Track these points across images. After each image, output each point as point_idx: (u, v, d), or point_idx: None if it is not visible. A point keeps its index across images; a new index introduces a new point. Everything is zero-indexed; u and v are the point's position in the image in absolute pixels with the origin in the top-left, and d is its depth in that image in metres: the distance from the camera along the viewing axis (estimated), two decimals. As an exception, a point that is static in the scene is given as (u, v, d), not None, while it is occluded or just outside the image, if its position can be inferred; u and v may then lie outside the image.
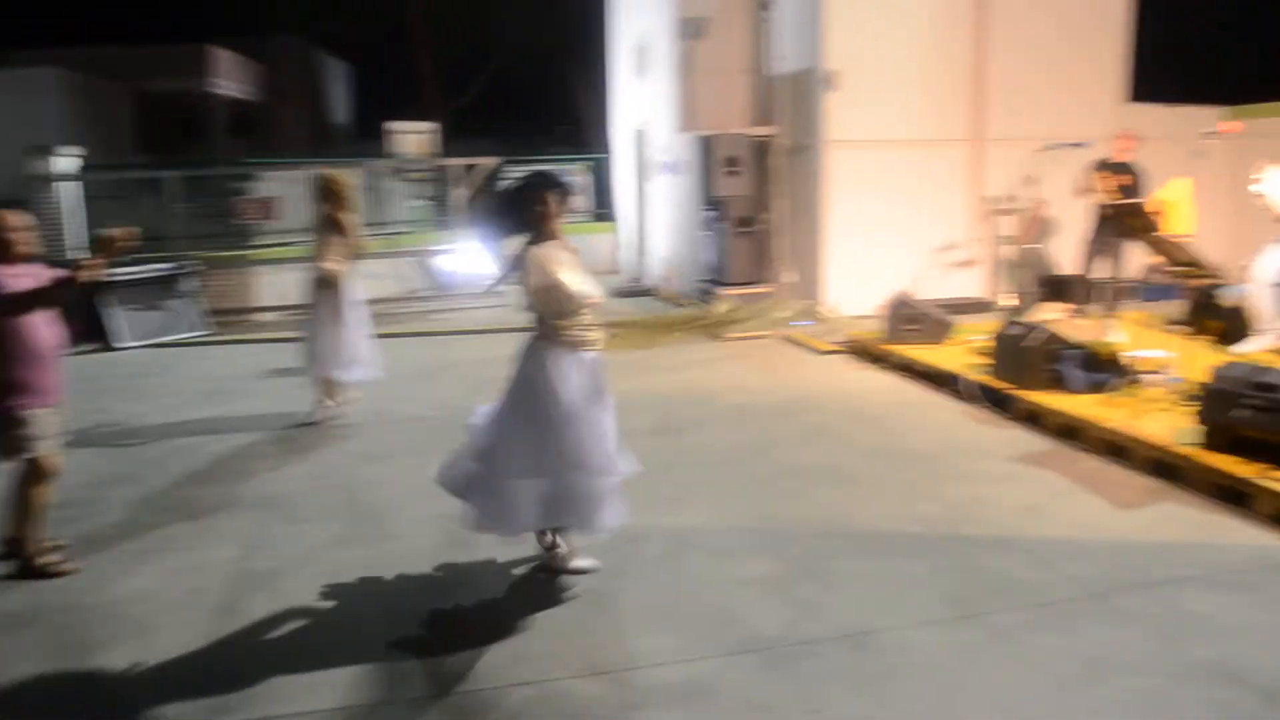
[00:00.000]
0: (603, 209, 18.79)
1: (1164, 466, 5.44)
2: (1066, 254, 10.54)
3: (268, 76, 31.24)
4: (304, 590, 4.35)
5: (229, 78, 29.11)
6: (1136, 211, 6.70)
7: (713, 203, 10.90)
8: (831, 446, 6.36)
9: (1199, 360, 6.96)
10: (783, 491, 5.48)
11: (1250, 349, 6.74)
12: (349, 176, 7.28)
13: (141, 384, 9.22)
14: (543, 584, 4.37)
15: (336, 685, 3.54)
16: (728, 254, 10.60)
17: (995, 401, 7.04)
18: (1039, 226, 11.45)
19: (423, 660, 3.74)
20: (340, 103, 36.91)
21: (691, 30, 13.66)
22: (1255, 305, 7.56)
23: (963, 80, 11.72)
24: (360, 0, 28.24)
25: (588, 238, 18.03)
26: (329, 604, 4.25)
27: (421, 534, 4.95)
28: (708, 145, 11.30)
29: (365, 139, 24.03)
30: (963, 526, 4.86)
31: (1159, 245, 6.38)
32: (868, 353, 9.10)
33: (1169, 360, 6.99)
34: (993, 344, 7.45)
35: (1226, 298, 8.19)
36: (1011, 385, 6.96)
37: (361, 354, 7.12)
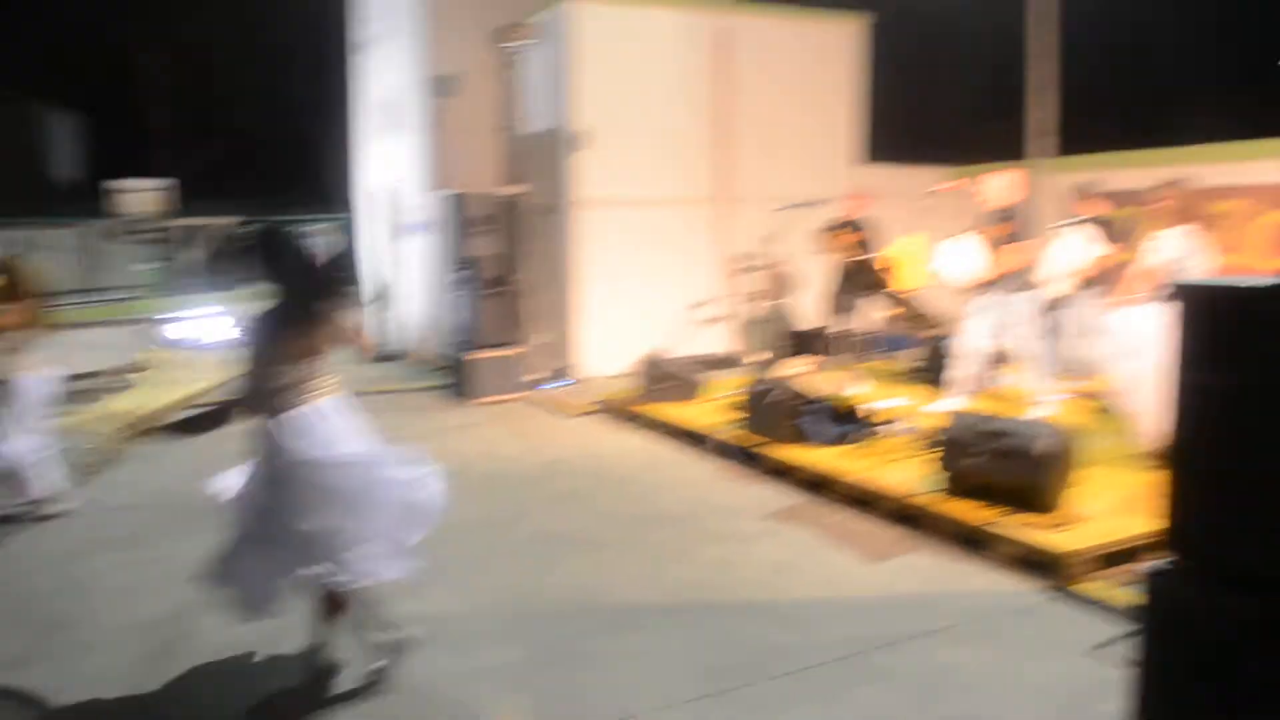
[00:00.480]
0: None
1: (907, 516, 5.50)
2: (809, 309, 10.89)
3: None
4: None
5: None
6: (867, 268, 6.90)
7: (464, 263, 10.55)
8: (581, 512, 6.09)
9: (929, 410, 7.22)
10: (530, 564, 5.14)
11: (942, 408, 7.02)
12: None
13: None
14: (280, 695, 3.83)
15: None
16: (479, 315, 10.25)
17: (746, 458, 7.00)
18: (780, 283, 11.81)
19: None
20: (64, 157, 34.07)
21: (443, 88, 13.35)
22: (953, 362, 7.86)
23: (707, 141, 11.98)
24: (84, 50, 26.31)
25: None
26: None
27: (123, 644, 4.27)
28: (458, 204, 10.98)
29: (95, 196, 22.27)
30: (713, 591, 4.69)
31: (891, 299, 6.57)
32: (621, 413, 8.96)
33: (904, 409, 7.20)
34: (744, 400, 7.45)
35: (950, 349, 8.57)
36: (763, 441, 6.96)
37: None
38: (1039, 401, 7.21)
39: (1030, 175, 8.19)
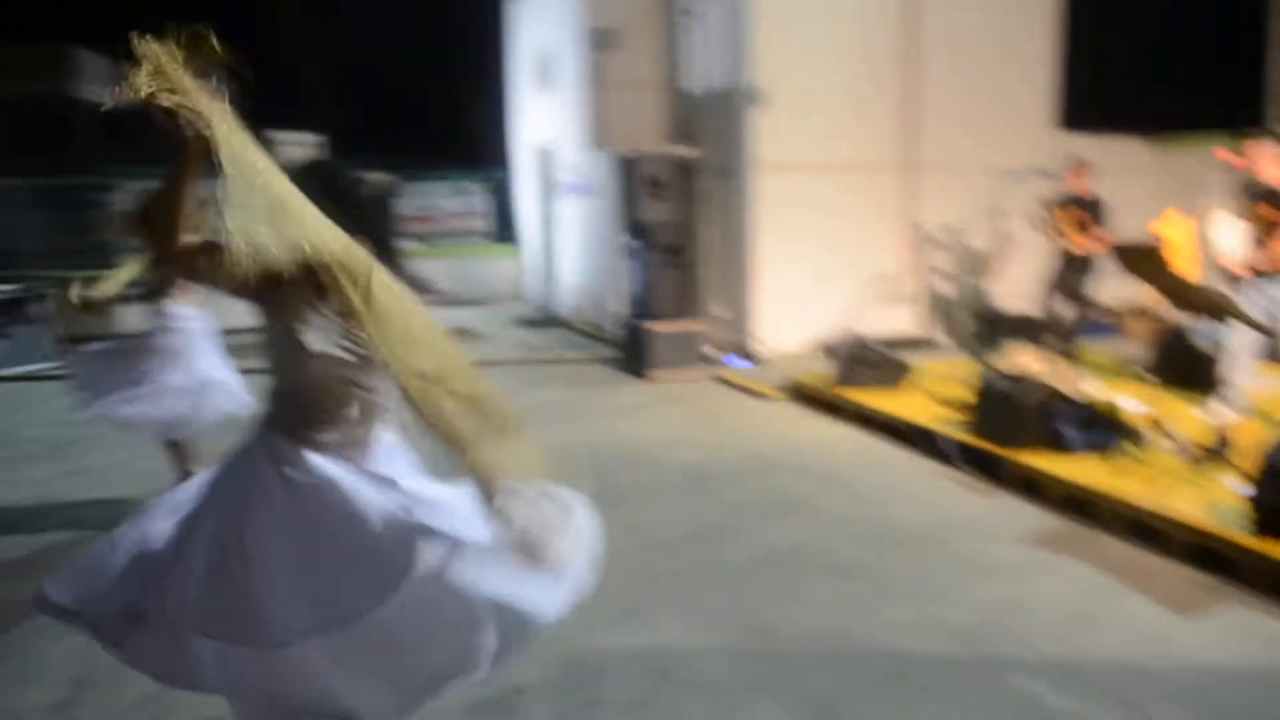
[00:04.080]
0: (505, 231, 17.65)
1: (1212, 556, 4.60)
2: (1011, 291, 9.92)
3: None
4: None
5: (97, 83, 26.98)
6: (1147, 252, 5.93)
7: (636, 228, 9.89)
8: (807, 522, 5.37)
9: (1187, 418, 6.24)
10: (764, 591, 4.44)
11: (1227, 412, 5.99)
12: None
13: (-34, 433, 7.77)
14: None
15: None
16: (653, 284, 9.60)
17: (981, 465, 6.17)
18: (975, 260, 10.85)
19: None
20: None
21: (601, 41, 12.69)
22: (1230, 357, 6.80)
23: (894, 102, 11.01)
24: (236, 4, 26.55)
25: (490, 261, 16.88)
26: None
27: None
28: (626, 166, 10.32)
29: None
30: (999, 643, 3.90)
31: (1171, 287, 5.61)
32: (813, 398, 8.20)
33: (1166, 415, 6.24)
34: (972, 395, 6.60)
35: (1203, 344, 7.51)
36: (998, 445, 6.11)
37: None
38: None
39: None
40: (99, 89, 26.69)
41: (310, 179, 2.49)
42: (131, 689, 3.57)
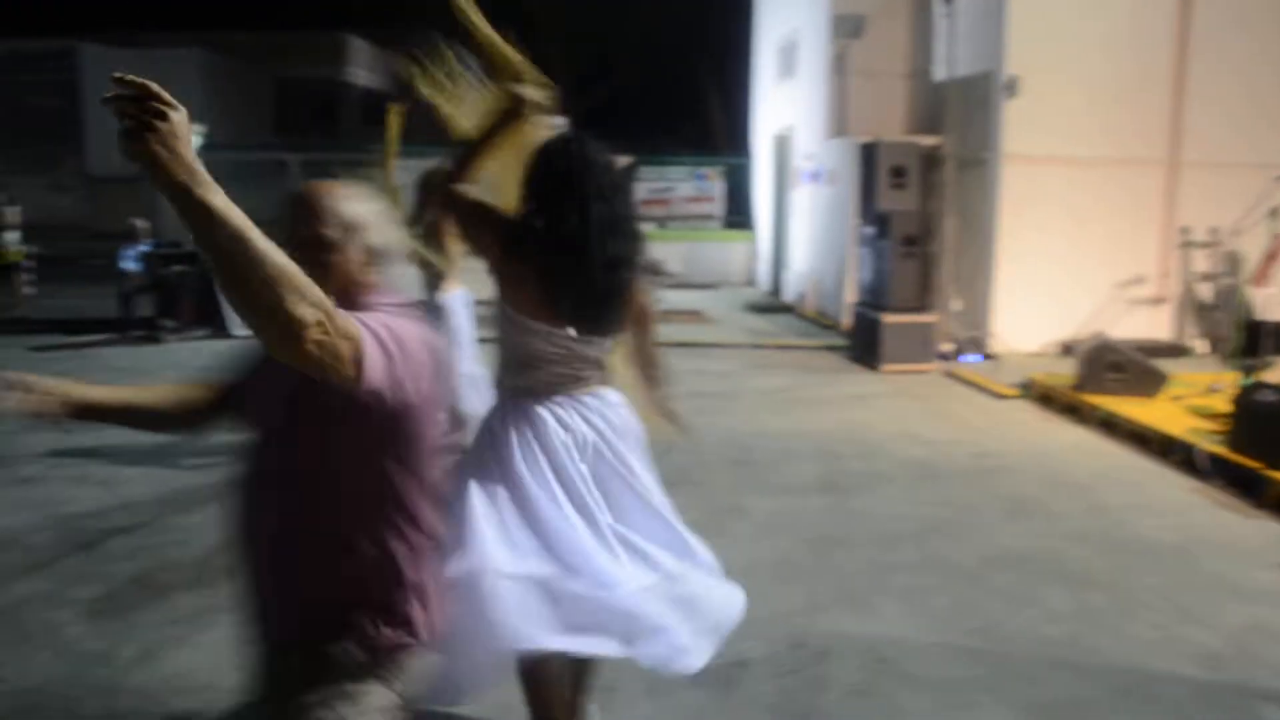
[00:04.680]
0: (737, 216, 17.76)
1: None
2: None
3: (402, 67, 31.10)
4: None
5: (364, 67, 29.00)
6: None
7: (875, 217, 9.74)
8: (1042, 526, 5.18)
9: None
10: (997, 591, 4.34)
11: None
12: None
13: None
14: None
15: None
16: (889, 274, 9.42)
17: (1237, 481, 5.76)
18: (1236, 264, 10.08)
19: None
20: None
21: (847, 28, 12.54)
22: None
23: (1159, 94, 10.29)
24: (493, -4, 27.84)
25: (722, 246, 17.02)
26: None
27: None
28: (868, 154, 10.15)
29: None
30: (1256, 672, 3.66)
31: None
32: (1056, 401, 7.85)
33: None
34: (1232, 408, 6.16)
35: None
36: (1260, 462, 5.68)
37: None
38: None
39: None
40: (365, 73, 28.71)
41: (559, 154, 2.65)
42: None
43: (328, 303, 1.52)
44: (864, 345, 9.64)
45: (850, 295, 11.03)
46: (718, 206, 18.13)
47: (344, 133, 26.98)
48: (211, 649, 3.68)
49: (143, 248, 10.92)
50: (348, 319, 1.59)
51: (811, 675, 3.55)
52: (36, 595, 4.19)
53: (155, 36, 22.73)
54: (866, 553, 4.75)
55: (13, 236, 11.66)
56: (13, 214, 11.69)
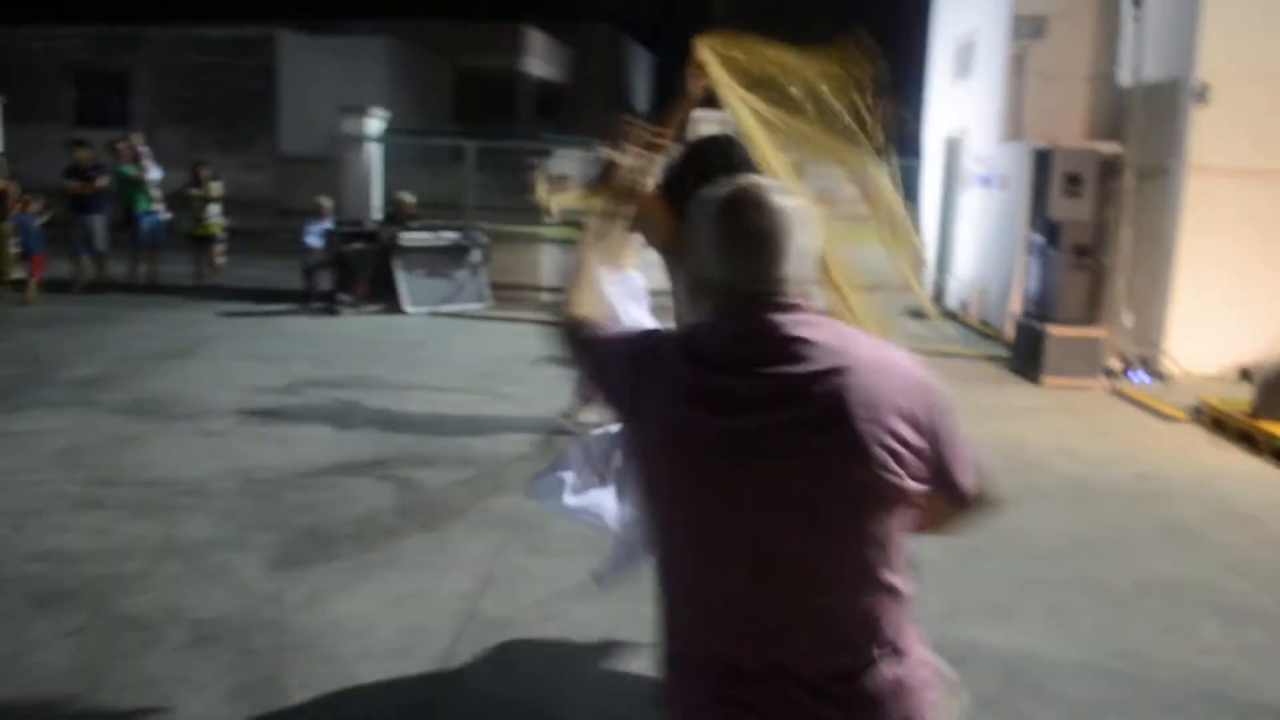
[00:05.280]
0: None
1: None
2: None
3: (576, 60, 31.79)
4: (537, 654, 3.61)
5: (540, 58, 29.77)
6: None
7: (1046, 225, 9.45)
8: (1203, 556, 4.98)
9: None
10: (1147, 618, 4.20)
11: None
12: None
13: (418, 354, 9.15)
14: None
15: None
16: (1057, 285, 9.13)
17: None
18: None
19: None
20: (641, 90, 37.12)
21: (1028, 29, 12.15)
22: None
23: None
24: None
25: (885, 248, 16.76)
26: (564, 679, 3.47)
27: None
28: (1042, 159, 9.84)
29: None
30: None
31: None
32: (1229, 427, 7.47)
33: None
34: None
35: None
36: None
37: None
38: None
39: None
40: (540, 63, 29.44)
41: (710, 152, 2.86)
42: (525, 592, 4.11)
43: None
44: (1026, 357, 9.37)
45: (1016, 305, 10.73)
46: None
47: (519, 121, 27.78)
48: (371, 597, 3.99)
49: (326, 225, 11.61)
50: None
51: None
52: (218, 539, 4.58)
53: (345, 25, 23.93)
54: (1013, 566, 4.68)
55: (215, 209, 12.52)
56: (217, 189, 12.56)
